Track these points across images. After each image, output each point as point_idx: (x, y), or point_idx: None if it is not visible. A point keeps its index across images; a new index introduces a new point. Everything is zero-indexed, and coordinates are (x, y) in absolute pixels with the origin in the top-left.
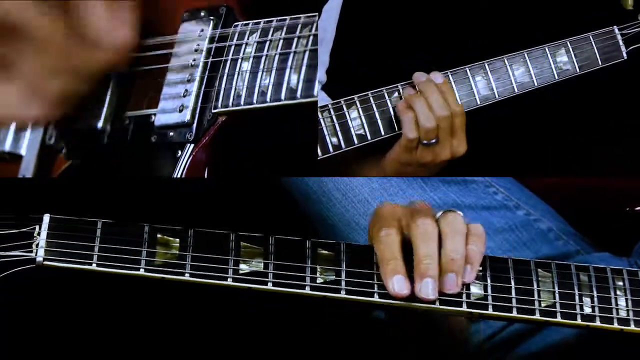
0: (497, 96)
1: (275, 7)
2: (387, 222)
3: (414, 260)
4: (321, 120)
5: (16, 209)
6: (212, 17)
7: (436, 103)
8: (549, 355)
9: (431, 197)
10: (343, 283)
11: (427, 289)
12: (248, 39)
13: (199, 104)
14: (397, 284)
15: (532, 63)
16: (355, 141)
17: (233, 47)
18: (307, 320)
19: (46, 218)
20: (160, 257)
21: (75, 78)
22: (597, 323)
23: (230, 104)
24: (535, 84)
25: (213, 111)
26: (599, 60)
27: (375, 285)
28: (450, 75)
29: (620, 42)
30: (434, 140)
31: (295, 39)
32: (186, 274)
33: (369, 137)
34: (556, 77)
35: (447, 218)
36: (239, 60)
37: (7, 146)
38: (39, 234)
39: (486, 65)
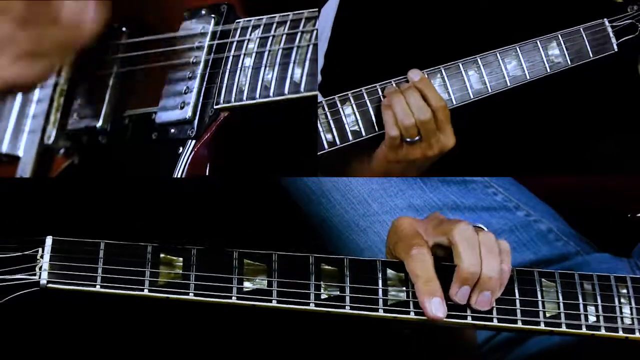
0: (490, 90)
1: (276, 5)
2: (416, 239)
3: (458, 265)
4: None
5: (18, 209)
6: (213, 15)
7: (413, 100)
8: (547, 357)
9: (430, 198)
10: (347, 299)
11: (463, 296)
12: (250, 35)
13: (200, 100)
14: (435, 307)
15: (524, 56)
16: (350, 137)
17: (235, 43)
18: (311, 336)
19: (49, 240)
20: (163, 277)
21: (37, 49)
22: (602, 332)
23: (233, 100)
24: (528, 77)
25: (215, 107)
26: (590, 52)
27: (380, 301)
28: (443, 70)
29: (611, 35)
30: (417, 138)
31: (299, 34)
32: (190, 293)
33: (363, 133)
34: (548, 70)
35: (481, 237)
36: (241, 56)
37: (4, 148)
38: (42, 256)
39: (478, 59)
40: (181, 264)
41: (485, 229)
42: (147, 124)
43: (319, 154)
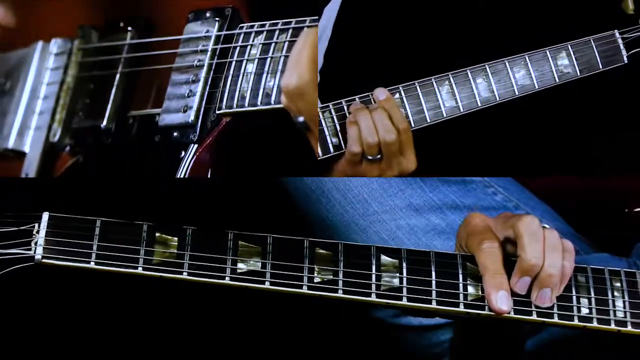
0: (497, 98)
1: (280, 9)
2: (487, 233)
3: (520, 255)
4: (322, 121)
5: (20, 207)
6: (217, 18)
7: (380, 120)
8: (544, 353)
9: (430, 198)
10: (340, 283)
11: (522, 286)
12: (253, 40)
13: (203, 104)
14: (501, 300)
15: (533, 66)
16: None
17: (238, 48)
18: (304, 319)
19: (45, 216)
20: (158, 255)
21: None
22: (595, 324)
23: (235, 106)
24: (536, 86)
25: (217, 112)
26: (600, 63)
27: (373, 286)
28: (451, 77)
29: (621, 46)
30: (378, 156)
31: None
32: (184, 273)
33: None
34: (557, 80)
35: (545, 233)
36: (244, 62)
37: (11, 144)
38: (37, 232)
39: (487, 67)
40: (176, 243)
41: (548, 226)
42: (151, 126)
43: (325, 157)
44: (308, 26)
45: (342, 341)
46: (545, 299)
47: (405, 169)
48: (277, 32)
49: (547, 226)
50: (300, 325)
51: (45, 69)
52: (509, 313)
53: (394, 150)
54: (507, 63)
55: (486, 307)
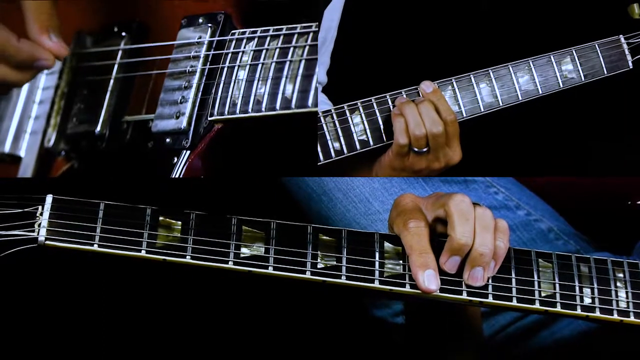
0: (501, 103)
1: (273, 15)
2: (414, 213)
3: (450, 234)
4: (323, 125)
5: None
6: (210, 25)
7: (426, 112)
8: (556, 350)
9: None
10: (344, 269)
11: (452, 266)
12: (245, 47)
13: (196, 111)
14: (428, 279)
15: (537, 71)
16: (358, 147)
17: (230, 54)
18: (305, 318)
19: (49, 198)
20: (161, 239)
21: None
22: (597, 314)
23: (226, 112)
24: (540, 92)
25: (209, 119)
26: (604, 69)
27: (376, 272)
28: (454, 82)
29: (626, 51)
30: (425, 149)
31: (292, 48)
32: (187, 257)
33: (371, 143)
34: (561, 85)
35: (477, 212)
36: (236, 68)
37: (7, 148)
38: (41, 214)
39: (491, 72)
40: (180, 227)
41: (482, 204)
42: (145, 131)
43: (325, 162)
44: (299, 33)
45: (343, 341)
46: (477, 278)
47: (451, 160)
48: (268, 39)
49: (479, 204)
50: (301, 324)
51: (41, 73)
52: (435, 292)
53: (441, 142)
54: (510, 68)
55: (490, 295)
